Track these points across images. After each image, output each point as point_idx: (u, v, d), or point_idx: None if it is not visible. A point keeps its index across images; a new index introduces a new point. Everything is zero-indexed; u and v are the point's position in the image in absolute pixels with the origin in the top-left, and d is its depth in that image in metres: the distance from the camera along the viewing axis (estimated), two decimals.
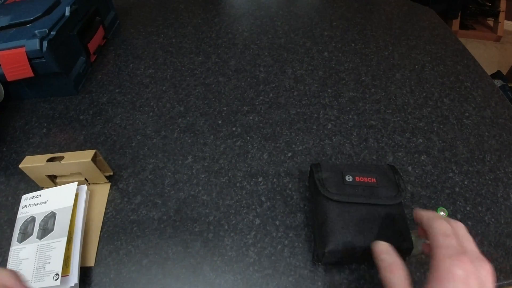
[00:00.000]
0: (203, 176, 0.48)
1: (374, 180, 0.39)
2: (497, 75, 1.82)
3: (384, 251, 0.31)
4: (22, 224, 0.40)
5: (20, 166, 0.42)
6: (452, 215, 0.42)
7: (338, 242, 0.35)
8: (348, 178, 0.39)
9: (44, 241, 0.38)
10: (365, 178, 0.39)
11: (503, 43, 2.30)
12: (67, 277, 0.36)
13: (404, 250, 0.34)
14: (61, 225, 0.38)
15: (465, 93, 0.59)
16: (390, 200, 0.37)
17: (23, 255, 0.37)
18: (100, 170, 0.44)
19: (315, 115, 0.56)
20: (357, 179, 0.39)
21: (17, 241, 0.39)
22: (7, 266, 0.37)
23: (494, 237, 0.40)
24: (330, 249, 0.35)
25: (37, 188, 0.46)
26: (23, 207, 0.42)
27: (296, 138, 0.52)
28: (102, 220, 0.43)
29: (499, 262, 0.38)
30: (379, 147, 0.50)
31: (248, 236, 0.41)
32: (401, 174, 0.42)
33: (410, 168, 0.48)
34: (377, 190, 0.38)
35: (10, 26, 0.56)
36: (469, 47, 0.70)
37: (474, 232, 0.41)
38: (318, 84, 0.62)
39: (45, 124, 0.57)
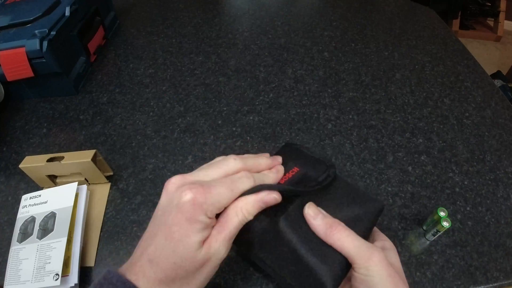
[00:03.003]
0: None
1: (296, 168, 0.31)
2: (497, 75, 1.83)
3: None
4: (22, 224, 0.40)
5: (20, 166, 0.42)
6: (452, 215, 0.42)
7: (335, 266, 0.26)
8: None
9: (44, 241, 0.38)
10: (288, 173, 0.31)
11: (503, 43, 2.30)
12: (67, 277, 0.36)
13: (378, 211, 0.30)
14: (61, 225, 0.38)
15: (465, 93, 0.59)
16: (325, 173, 0.31)
17: (23, 255, 0.37)
18: (100, 170, 0.44)
19: (315, 115, 0.56)
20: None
21: (17, 241, 0.39)
22: (7, 266, 0.37)
23: (494, 237, 0.40)
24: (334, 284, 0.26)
25: (37, 188, 0.46)
26: (23, 207, 0.42)
27: (296, 138, 0.52)
28: (102, 220, 0.43)
29: (499, 262, 0.38)
30: (379, 147, 0.50)
31: None
32: (303, 145, 0.36)
33: (410, 168, 0.48)
34: (307, 175, 0.31)
35: (10, 26, 0.56)
36: (469, 47, 0.70)
37: (474, 232, 0.41)
38: (318, 84, 0.62)
39: (45, 124, 0.57)
